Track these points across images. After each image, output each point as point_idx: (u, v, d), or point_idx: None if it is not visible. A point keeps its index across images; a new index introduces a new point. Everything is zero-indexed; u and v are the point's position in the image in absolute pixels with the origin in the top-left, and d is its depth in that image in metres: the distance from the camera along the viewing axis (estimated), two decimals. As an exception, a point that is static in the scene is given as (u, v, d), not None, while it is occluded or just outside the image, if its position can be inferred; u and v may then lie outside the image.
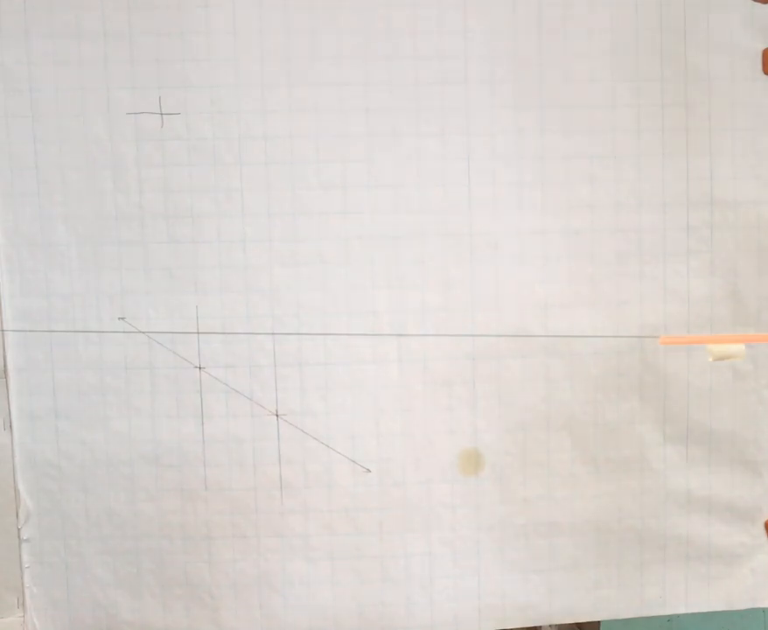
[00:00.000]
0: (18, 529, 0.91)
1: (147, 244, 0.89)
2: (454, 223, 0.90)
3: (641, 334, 0.91)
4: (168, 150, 0.88)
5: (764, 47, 0.90)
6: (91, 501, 0.92)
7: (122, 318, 0.89)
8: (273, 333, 0.90)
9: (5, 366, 0.89)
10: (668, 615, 0.99)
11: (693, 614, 0.97)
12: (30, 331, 0.89)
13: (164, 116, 0.88)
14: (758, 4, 0.90)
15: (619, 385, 0.93)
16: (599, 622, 1.00)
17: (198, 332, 0.90)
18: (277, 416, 0.91)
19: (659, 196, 0.91)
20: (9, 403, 0.89)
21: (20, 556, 0.92)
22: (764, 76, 0.90)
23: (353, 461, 0.92)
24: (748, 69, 0.91)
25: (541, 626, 0.99)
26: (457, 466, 0.93)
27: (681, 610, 0.96)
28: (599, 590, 0.95)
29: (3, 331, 0.89)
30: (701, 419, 0.93)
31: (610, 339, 0.91)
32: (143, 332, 0.90)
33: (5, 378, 0.89)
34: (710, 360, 0.73)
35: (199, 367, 0.90)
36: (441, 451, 0.93)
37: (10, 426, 0.90)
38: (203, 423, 0.91)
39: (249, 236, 0.89)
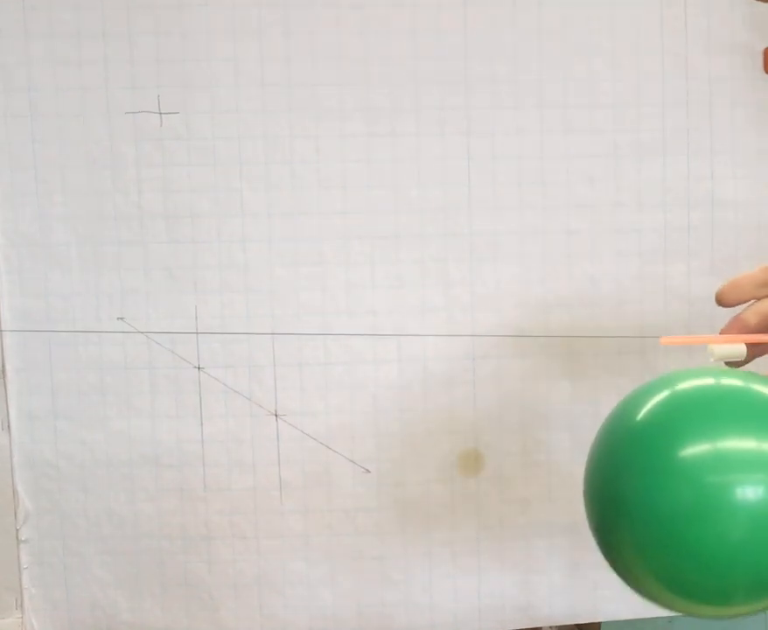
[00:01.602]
0: (17, 530, 0.91)
1: (146, 244, 0.89)
2: (454, 223, 0.90)
3: (641, 334, 0.91)
4: (167, 150, 0.88)
5: (764, 46, 0.90)
6: (90, 502, 0.91)
7: (122, 319, 0.89)
8: (273, 333, 0.90)
9: (4, 366, 0.89)
10: (669, 616, 0.99)
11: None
12: (29, 331, 0.89)
13: (163, 116, 0.88)
14: (759, 3, 0.90)
15: (619, 385, 0.92)
16: (600, 623, 1.00)
17: (197, 332, 0.90)
18: (277, 416, 0.91)
19: (660, 196, 0.91)
20: (7, 404, 0.89)
21: (19, 556, 0.92)
22: (765, 75, 0.90)
23: (353, 461, 0.92)
24: (748, 68, 0.90)
25: (541, 628, 0.99)
26: (457, 466, 0.93)
27: (682, 611, 0.96)
28: (600, 590, 0.95)
29: (1, 331, 0.89)
30: (701, 419, 0.93)
31: (611, 339, 0.91)
32: (143, 332, 0.89)
33: (4, 378, 0.89)
34: (712, 360, 0.73)
35: (199, 368, 0.90)
36: (441, 451, 0.92)
37: (9, 426, 0.90)
38: (202, 424, 0.91)
39: (249, 236, 0.89)
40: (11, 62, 0.86)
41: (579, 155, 0.90)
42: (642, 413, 0.62)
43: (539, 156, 0.90)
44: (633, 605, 0.95)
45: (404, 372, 0.92)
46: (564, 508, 0.94)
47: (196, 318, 0.90)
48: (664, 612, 0.96)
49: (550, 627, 1.00)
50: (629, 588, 0.65)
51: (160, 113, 0.87)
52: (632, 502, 0.59)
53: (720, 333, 0.68)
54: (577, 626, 0.99)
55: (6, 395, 0.89)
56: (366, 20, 0.88)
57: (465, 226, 0.91)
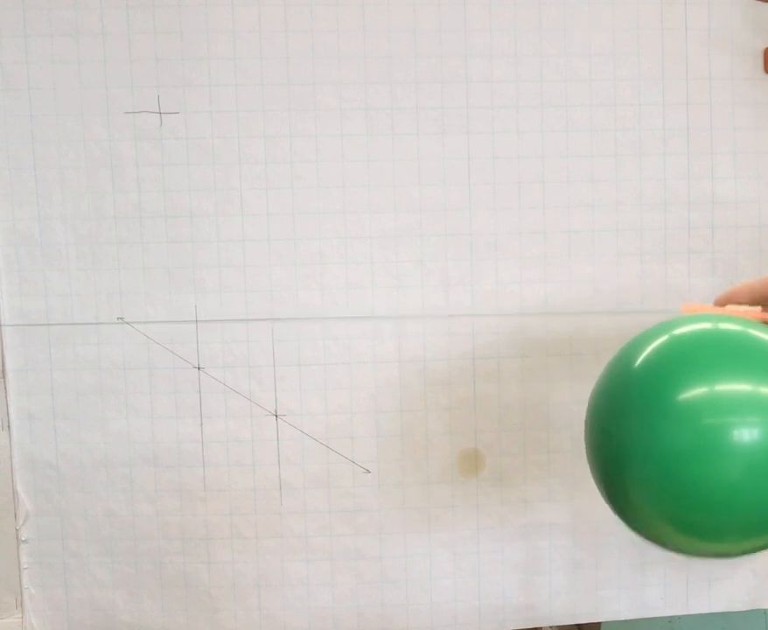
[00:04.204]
0: (17, 530, 0.91)
1: (146, 244, 0.89)
2: (454, 222, 0.90)
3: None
4: (167, 150, 0.88)
5: (764, 46, 0.90)
6: (90, 502, 0.91)
7: (121, 318, 0.89)
8: (272, 319, 0.90)
9: (4, 366, 0.89)
10: (669, 616, 0.99)
11: (694, 615, 0.97)
12: (28, 324, 0.89)
13: (162, 115, 0.87)
14: (759, 4, 0.90)
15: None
16: (600, 623, 1.00)
17: (196, 321, 0.89)
18: (276, 416, 0.91)
19: (660, 195, 0.91)
20: (7, 404, 0.89)
21: (18, 556, 0.91)
22: (765, 75, 0.90)
23: (353, 462, 0.92)
24: (749, 68, 0.90)
25: (541, 628, 0.99)
26: (457, 467, 0.93)
27: (682, 611, 0.96)
28: (600, 591, 0.95)
29: (1, 326, 0.88)
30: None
31: (612, 341, 0.91)
32: (140, 331, 0.89)
33: (4, 378, 0.89)
34: None
35: (198, 368, 0.90)
36: (441, 452, 0.92)
37: (9, 426, 0.89)
38: (202, 424, 0.91)
39: (249, 236, 0.89)
40: (10, 61, 0.86)
41: (580, 154, 0.90)
42: (641, 358, 0.64)
43: (539, 155, 0.90)
44: (633, 605, 0.95)
45: (404, 372, 0.91)
46: (564, 508, 0.94)
47: (196, 318, 0.90)
48: (664, 610, 0.96)
49: (550, 627, 1.00)
50: (631, 530, 0.67)
51: (160, 113, 0.87)
52: (634, 444, 0.61)
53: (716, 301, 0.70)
54: (577, 626, 0.99)
55: (6, 395, 0.89)
56: (365, 19, 0.88)
57: (465, 226, 0.90)
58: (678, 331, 0.65)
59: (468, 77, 0.89)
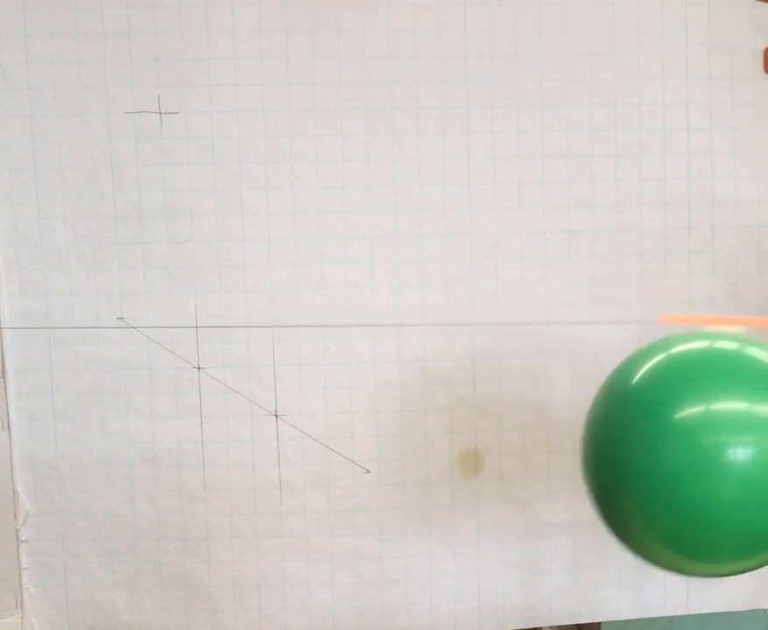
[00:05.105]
0: (17, 530, 0.91)
1: (146, 244, 0.89)
2: (454, 222, 0.90)
3: (642, 333, 0.91)
4: (167, 150, 0.88)
5: (764, 46, 0.90)
6: (90, 502, 0.91)
7: (121, 318, 0.89)
8: (272, 326, 0.90)
9: (4, 366, 0.89)
10: (669, 616, 0.99)
11: (694, 615, 0.97)
12: (28, 328, 0.89)
13: (162, 115, 0.87)
14: (759, 4, 0.90)
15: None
16: (600, 623, 1.00)
17: (196, 326, 0.90)
18: (276, 416, 0.91)
19: (660, 195, 0.91)
20: (7, 404, 0.89)
21: (18, 556, 0.91)
22: (765, 75, 0.90)
23: (353, 462, 0.92)
24: (749, 68, 0.90)
25: (541, 628, 0.99)
26: (457, 467, 0.93)
27: (682, 611, 0.96)
28: (600, 591, 0.95)
29: (1, 330, 0.88)
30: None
31: (612, 340, 0.91)
32: (139, 330, 0.89)
33: (4, 378, 0.89)
34: None
35: (198, 368, 0.90)
36: (441, 452, 0.92)
37: (9, 426, 0.89)
38: (202, 424, 0.90)
39: (249, 236, 0.89)
40: (10, 61, 0.86)
41: (580, 154, 0.90)
42: (638, 377, 0.64)
43: (539, 155, 0.90)
44: (633, 605, 0.95)
45: (404, 372, 0.91)
46: (564, 508, 0.94)
47: (196, 318, 0.90)
48: (664, 610, 0.96)
49: (550, 627, 1.00)
50: (627, 549, 0.67)
51: (160, 113, 0.87)
52: (631, 463, 0.62)
53: None
54: (577, 626, 0.99)
55: (6, 395, 0.89)
56: (365, 20, 0.88)
57: (465, 225, 0.90)
58: (674, 349, 0.65)
59: (468, 77, 0.89)
